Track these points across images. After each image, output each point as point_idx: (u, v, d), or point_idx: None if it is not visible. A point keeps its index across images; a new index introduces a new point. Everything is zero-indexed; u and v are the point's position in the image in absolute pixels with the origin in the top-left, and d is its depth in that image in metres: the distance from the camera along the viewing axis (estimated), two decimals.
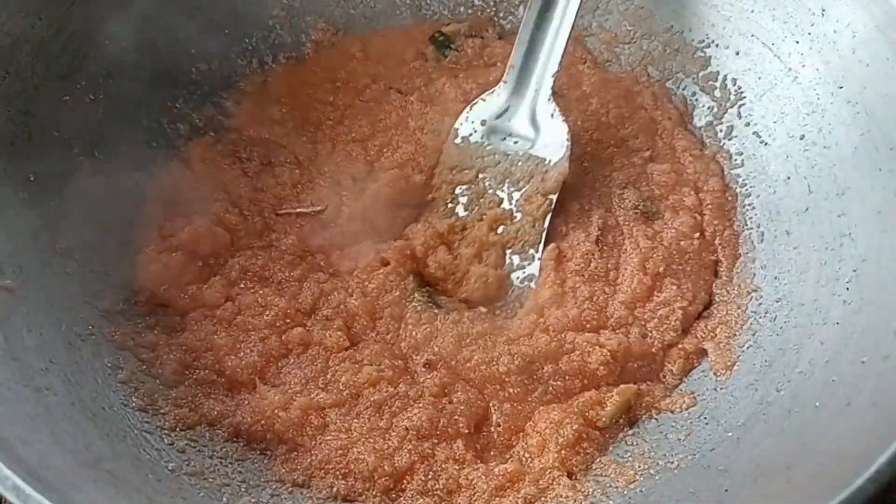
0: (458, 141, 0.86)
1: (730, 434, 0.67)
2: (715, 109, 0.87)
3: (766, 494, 0.59)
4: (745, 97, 0.85)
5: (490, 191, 0.85)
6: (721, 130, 0.87)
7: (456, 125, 0.87)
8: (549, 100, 0.84)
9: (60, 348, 0.66)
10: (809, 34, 0.79)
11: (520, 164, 0.85)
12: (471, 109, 0.87)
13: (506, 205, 0.84)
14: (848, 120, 0.74)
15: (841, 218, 0.72)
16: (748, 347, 0.74)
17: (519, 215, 0.83)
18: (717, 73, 0.87)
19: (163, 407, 0.70)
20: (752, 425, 0.66)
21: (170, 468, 0.64)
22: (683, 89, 0.90)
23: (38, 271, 0.69)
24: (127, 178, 0.82)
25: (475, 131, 0.86)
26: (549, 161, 0.84)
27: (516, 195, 0.84)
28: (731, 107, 0.86)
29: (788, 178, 0.80)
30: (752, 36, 0.84)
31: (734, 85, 0.86)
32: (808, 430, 0.61)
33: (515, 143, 0.86)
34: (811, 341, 0.68)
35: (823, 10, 0.77)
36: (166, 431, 0.68)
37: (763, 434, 0.65)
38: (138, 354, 0.73)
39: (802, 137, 0.79)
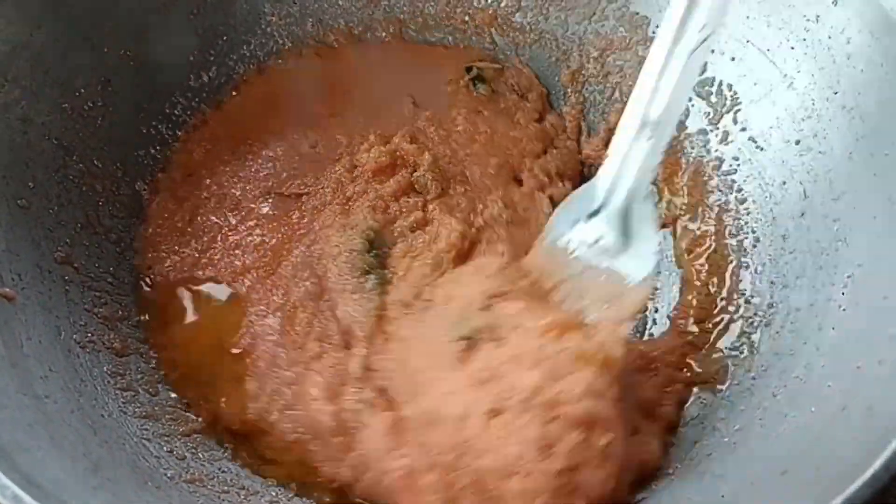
0: (546, 243, 0.74)
1: (726, 439, 0.67)
2: (710, 115, 0.88)
3: (763, 499, 0.59)
4: (740, 102, 0.86)
5: (568, 303, 0.72)
6: (717, 136, 0.87)
7: (548, 225, 0.75)
8: (646, 199, 0.71)
9: (60, 356, 0.66)
10: (804, 40, 0.79)
11: (600, 279, 0.72)
12: (565, 208, 0.75)
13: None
14: (843, 125, 0.75)
15: (836, 223, 0.73)
16: (743, 353, 0.74)
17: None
18: (713, 78, 0.88)
19: (163, 415, 0.70)
20: (748, 430, 0.66)
21: (168, 475, 0.64)
22: None
23: (36, 279, 0.69)
24: (126, 185, 0.82)
25: (563, 234, 0.73)
26: (630, 279, 0.71)
27: (590, 317, 0.71)
28: (727, 112, 0.87)
29: (784, 182, 0.80)
30: (748, 42, 0.84)
31: (730, 90, 0.86)
32: (805, 434, 0.61)
33: (600, 252, 0.72)
34: (807, 346, 0.68)
35: (818, 17, 0.77)
36: (166, 438, 0.68)
37: (759, 439, 0.65)
38: (138, 362, 0.73)
39: (798, 143, 0.79)
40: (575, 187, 0.84)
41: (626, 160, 0.70)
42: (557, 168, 0.89)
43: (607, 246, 0.71)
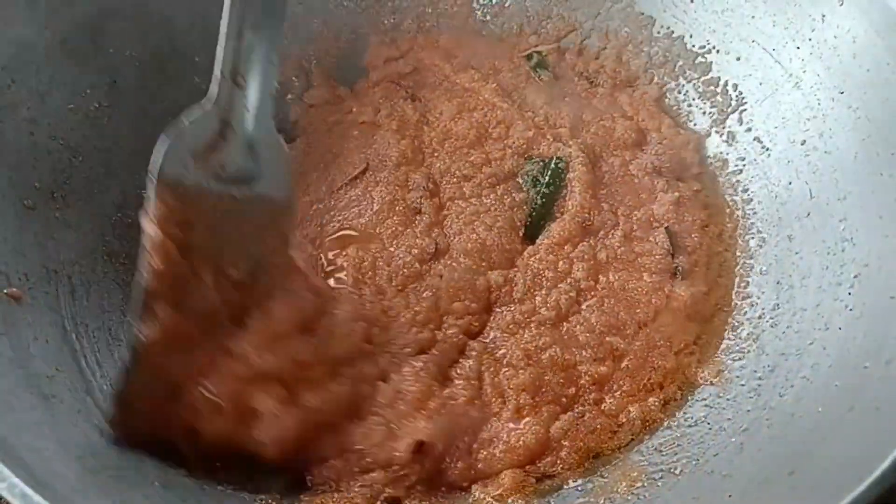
0: (168, 183, 0.62)
1: (733, 439, 0.67)
2: (716, 115, 0.88)
3: (770, 500, 0.59)
4: (746, 103, 0.86)
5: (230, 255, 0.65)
6: (722, 136, 0.87)
7: (154, 159, 0.63)
8: (270, 122, 0.66)
9: (66, 356, 0.66)
10: (810, 40, 0.79)
11: (249, 209, 0.66)
12: (175, 138, 0.63)
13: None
14: (849, 125, 0.74)
15: (842, 223, 0.73)
16: (749, 353, 0.74)
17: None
18: (719, 78, 0.88)
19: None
20: (755, 430, 0.66)
21: (175, 474, 0.64)
22: (684, 95, 0.90)
23: (43, 279, 0.69)
24: (132, 187, 0.82)
25: (186, 168, 0.63)
26: (279, 200, 0.67)
27: (252, 258, 0.66)
28: (733, 112, 0.87)
29: (790, 183, 0.80)
30: (753, 41, 0.84)
31: (735, 90, 0.87)
32: (812, 435, 0.61)
33: (231, 182, 0.65)
34: (814, 346, 0.68)
35: (824, 16, 0.77)
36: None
37: (766, 439, 0.65)
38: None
39: (804, 143, 0.79)
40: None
41: (239, 79, 0.65)
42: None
43: (238, 172, 0.65)
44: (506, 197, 0.84)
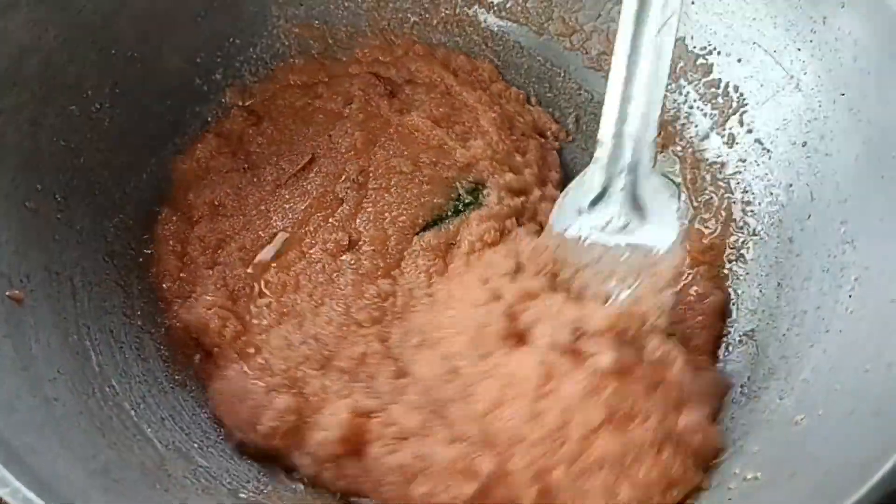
0: (554, 235, 0.74)
1: (733, 441, 0.67)
2: (716, 117, 0.88)
3: (772, 502, 0.59)
4: (746, 104, 0.86)
5: (592, 288, 0.72)
6: (723, 138, 0.87)
7: (550, 220, 0.75)
8: (651, 172, 0.71)
9: (68, 358, 0.66)
10: (811, 42, 0.79)
11: (623, 258, 0.71)
12: (563, 198, 0.75)
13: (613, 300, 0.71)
14: (850, 127, 0.74)
15: (843, 225, 0.72)
16: (750, 356, 0.74)
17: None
18: (719, 80, 0.88)
19: (172, 417, 0.70)
20: (755, 434, 0.66)
21: (178, 477, 0.64)
22: (685, 97, 0.90)
23: (45, 281, 0.69)
24: (134, 187, 0.82)
25: (571, 225, 0.73)
26: (657, 249, 0.71)
27: (623, 294, 0.71)
28: (733, 114, 0.87)
29: (790, 185, 0.80)
30: (754, 43, 0.84)
31: (736, 92, 0.87)
32: (812, 438, 0.61)
33: (615, 232, 0.72)
34: (814, 349, 0.68)
35: (825, 19, 0.77)
36: (176, 439, 0.68)
37: (766, 442, 0.65)
38: (146, 363, 0.73)
39: (804, 145, 0.79)
40: None
41: (619, 140, 0.70)
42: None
43: (621, 225, 0.72)
44: (423, 197, 0.83)
